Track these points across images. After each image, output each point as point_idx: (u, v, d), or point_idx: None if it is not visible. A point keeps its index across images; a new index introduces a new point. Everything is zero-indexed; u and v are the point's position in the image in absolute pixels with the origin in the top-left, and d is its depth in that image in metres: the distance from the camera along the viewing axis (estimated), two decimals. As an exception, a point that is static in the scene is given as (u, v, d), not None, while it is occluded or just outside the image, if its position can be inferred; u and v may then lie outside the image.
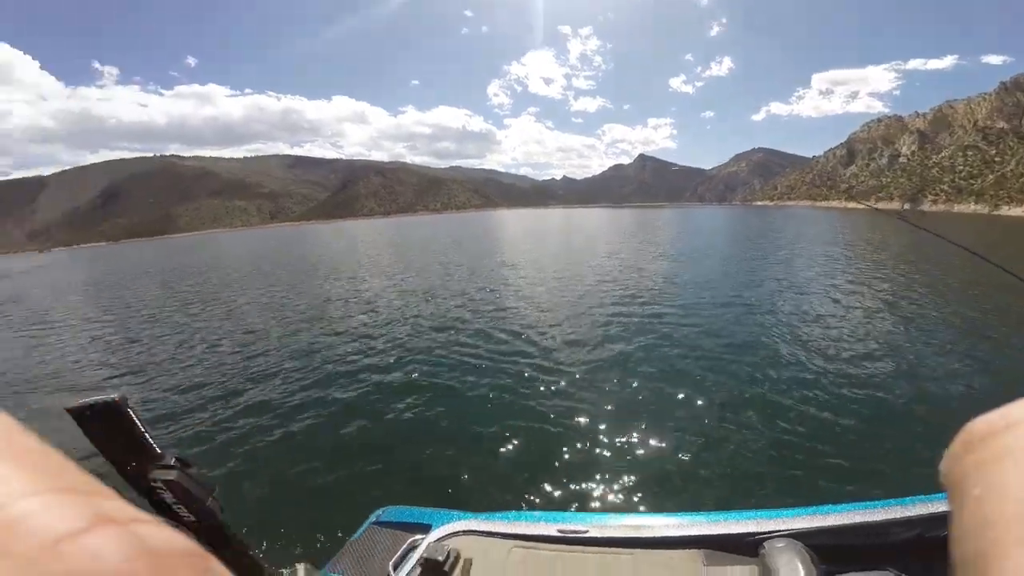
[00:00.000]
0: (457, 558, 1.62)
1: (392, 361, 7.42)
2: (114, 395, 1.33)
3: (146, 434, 1.37)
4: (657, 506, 3.54)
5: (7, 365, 9.76)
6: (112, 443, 1.34)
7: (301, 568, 1.90)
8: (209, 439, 5.11)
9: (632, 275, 14.85)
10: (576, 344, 7.56)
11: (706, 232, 37.93)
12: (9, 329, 14.44)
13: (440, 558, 1.56)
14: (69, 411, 1.33)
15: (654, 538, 1.58)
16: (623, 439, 4.42)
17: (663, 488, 3.69)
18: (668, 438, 4.38)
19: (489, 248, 29.20)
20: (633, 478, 3.82)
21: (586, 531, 1.66)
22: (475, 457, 4.33)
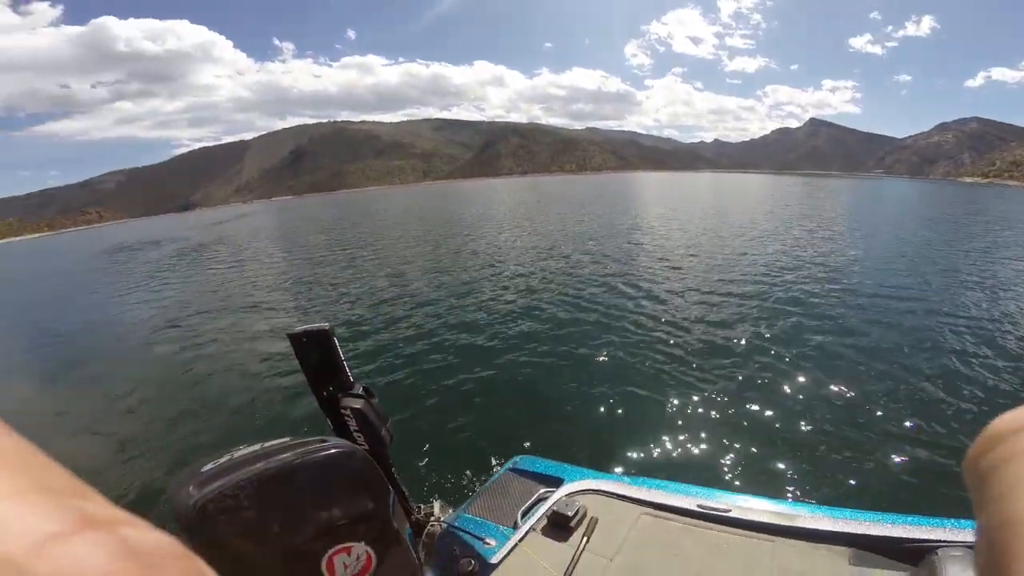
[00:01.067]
0: (584, 515, 1.64)
1: (537, 311, 7.85)
2: (325, 324, 1.62)
3: (344, 362, 1.66)
4: (800, 497, 3.30)
5: (227, 291, 12.51)
6: (316, 367, 1.65)
7: (437, 504, 2.14)
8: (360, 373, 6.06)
9: (805, 250, 12.98)
10: (720, 315, 7.09)
11: (896, 208, 31.56)
12: (223, 264, 18.41)
13: (568, 513, 1.60)
14: (289, 336, 1.66)
15: (798, 528, 1.46)
16: (769, 420, 4.14)
17: (807, 480, 3.41)
18: (818, 427, 3.99)
19: (624, 209, 28.06)
20: (777, 464, 3.58)
21: (728, 510, 1.58)
22: (609, 416, 4.39)
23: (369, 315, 8.84)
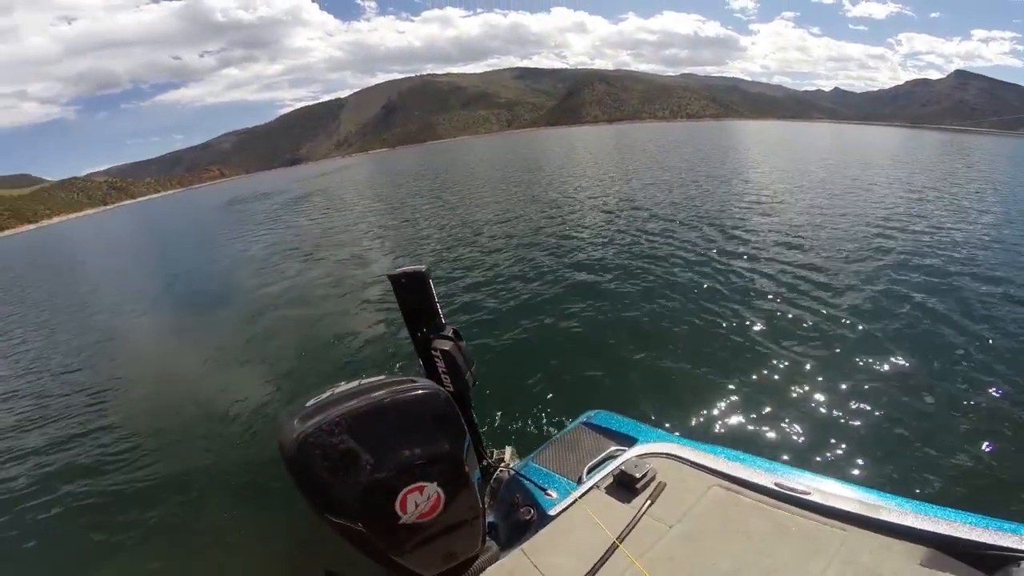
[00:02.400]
0: (652, 479, 1.57)
1: (621, 265, 7.62)
2: (422, 266, 1.65)
3: (438, 304, 1.69)
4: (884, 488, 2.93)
5: (329, 237, 13.56)
6: (412, 307, 1.70)
7: (508, 451, 2.15)
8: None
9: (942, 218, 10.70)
10: (818, 282, 6.38)
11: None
12: (325, 212, 19.88)
13: (636, 474, 1.53)
14: (389, 277, 1.70)
15: (875, 520, 1.32)
16: (862, 401, 3.71)
17: (895, 471, 3.06)
18: (915, 415, 3.53)
19: (721, 160, 25.60)
20: (863, 450, 3.22)
21: (807, 493, 1.44)
22: (690, 379, 4.19)
23: (453, 261, 9.13)
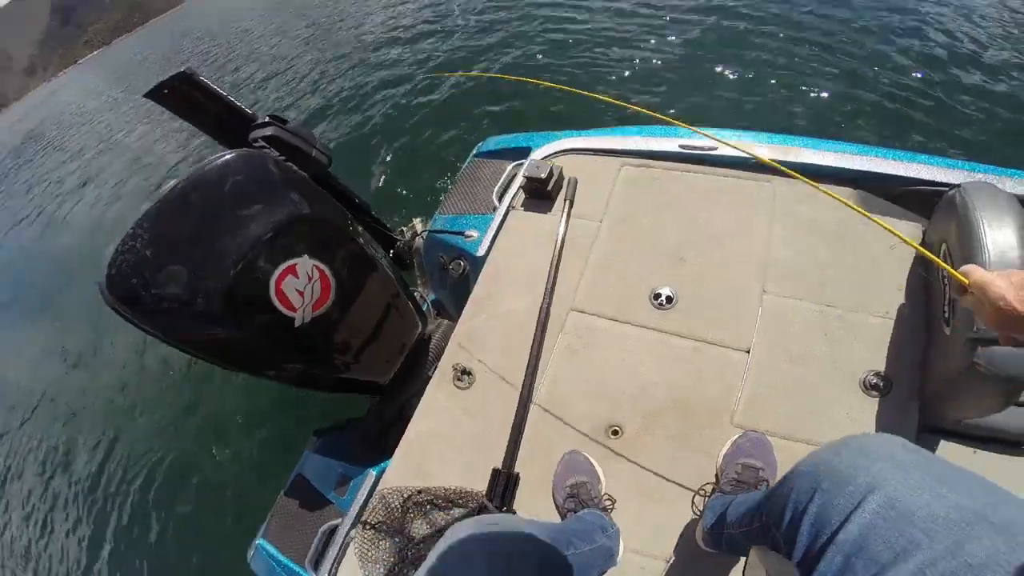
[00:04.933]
0: (560, 176, 1.50)
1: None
2: (181, 68, 1.23)
3: (230, 97, 1.32)
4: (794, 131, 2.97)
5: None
6: (202, 114, 1.32)
7: (417, 222, 1.99)
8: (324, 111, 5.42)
9: None
10: None
11: None
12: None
13: (542, 175, 1.44)
14: (148, 96, 1.28)
15: (796, 164, 1.27)
16: (755, 40, 3.52)
17: (804, 112, 2.97)
18: (813, 46, 3.37)
19: None
20: (767, 94, 3.09)
21: (714, 148, 1.39)
22: (575, 70, 3.87)
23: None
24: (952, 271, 0.50)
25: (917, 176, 1.18)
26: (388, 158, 4.09)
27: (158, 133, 9.21)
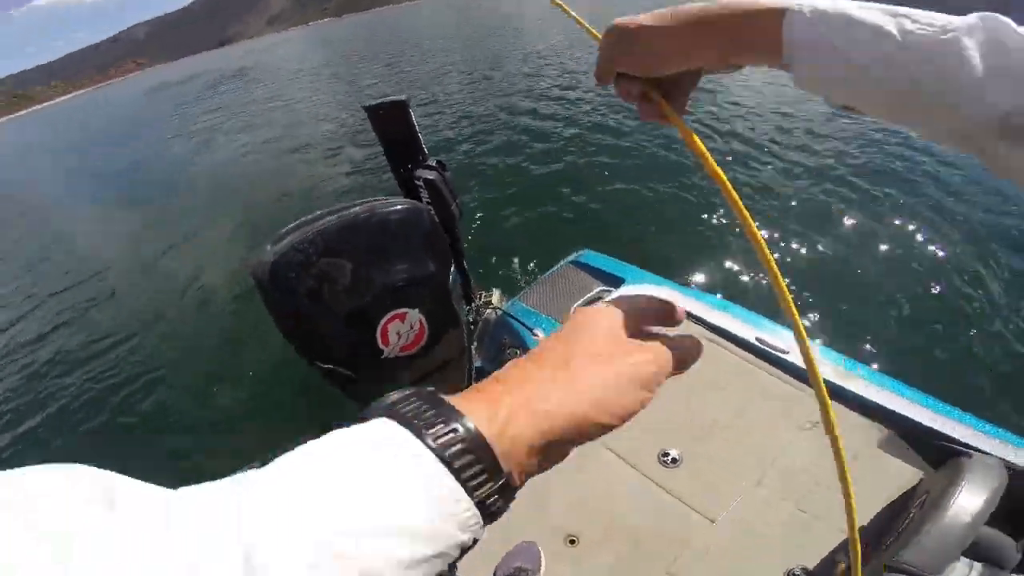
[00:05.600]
0: None
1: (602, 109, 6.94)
2: (402, 96, 1.44)
3: (419, 135, 1.51)
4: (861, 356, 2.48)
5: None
6: (392, 139, 1.52)
7: (496, 293, 2.11)
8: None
9: None
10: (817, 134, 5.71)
11: None
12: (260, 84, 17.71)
13: None
14: (366, 108, 1.49)
15: (840, 389, 1.35)
16: (857, 264, 3.30)
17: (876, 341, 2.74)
18: (910, 287, 3.09)
19: None
20: (845, 312, 2.93)
21: (786, 352, 1.45)
22: (683, 225, 3.89)
23: (430, 105, 8.34)
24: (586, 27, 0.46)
25: (943, 431, 1.23)
26: (511, 217, 4.32)
27: (328, 115, 10.14)
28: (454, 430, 0.25)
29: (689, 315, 1.64)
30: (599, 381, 0.30)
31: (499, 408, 0.27)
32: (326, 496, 0.22)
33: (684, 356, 0.34)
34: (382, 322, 1.07)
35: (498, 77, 10.25)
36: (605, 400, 0.29)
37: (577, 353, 0.31)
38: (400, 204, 1.07)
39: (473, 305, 1.93)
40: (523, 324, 1.69)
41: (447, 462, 0.24)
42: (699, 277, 3.38)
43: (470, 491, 0.24)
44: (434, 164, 1.50)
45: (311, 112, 11.01)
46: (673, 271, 3.34)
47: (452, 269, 1.19)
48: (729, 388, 1.46)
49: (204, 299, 4.49)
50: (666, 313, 0.36)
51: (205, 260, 5.10)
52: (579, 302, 1.73)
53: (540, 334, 1.64)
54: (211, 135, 11.76)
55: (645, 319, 0.35)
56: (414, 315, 1.11)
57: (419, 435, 0.24)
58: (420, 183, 1.48)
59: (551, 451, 0.28)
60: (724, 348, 1.55)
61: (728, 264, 3.42)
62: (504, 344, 1.70)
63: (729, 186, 0.34)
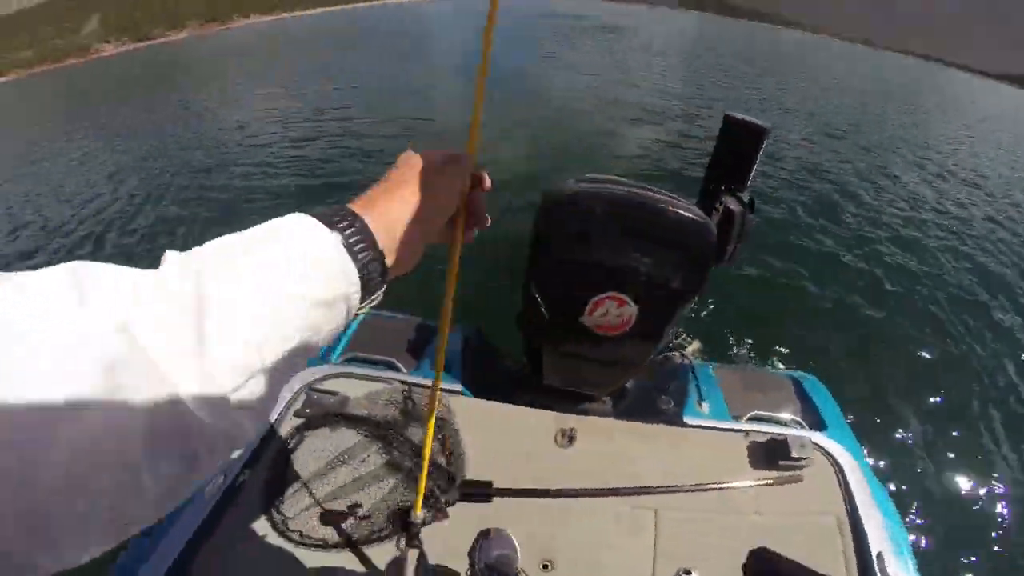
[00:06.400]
0: (797, 469, 1.27)
1: None
2: (767, 124, 1.37)
3: (755, 168, 1.43)
4: None
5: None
6: (725, 156, 1.46)
7: (696, 343, 1.96)
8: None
9: None
10: None
11: None
12: None
13: (792, 452, 1.23)
14: (727, 116, 1.45)
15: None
16: None
17: None
18: None
19: None
20: None
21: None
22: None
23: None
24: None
25: None
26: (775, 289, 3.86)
27: (672, 106, 9.96)
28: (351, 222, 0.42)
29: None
30: (422, 190, 0.49)
31: (371, 211, 0.45)
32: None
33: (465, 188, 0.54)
34: (604, 295, 1.12)
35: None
36: (427, 200, 0.48)
37: (408, 178, 0.49)
38: (698, 215, 1.08)
39: (672, 337, 1.86)
40: (697, 390, 1.55)
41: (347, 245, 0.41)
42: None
43: (355, 256, 0.41)
44: (746, 199, 1.41)
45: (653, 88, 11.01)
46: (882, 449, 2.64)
47: (695, 296, 1.17)
48: None
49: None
50: (468, 172, 0.54)
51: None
52: (765, 411, 1.50)
53: (704, 408, 1.50)
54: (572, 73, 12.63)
55: (447, 161, 0.52)
56: (631, 308, 1.13)
57: (327, 223, 0.41)
58: (718, 206, 1.42)
59: (406, 235, 0.46)
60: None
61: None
62: (667, 390, 1.58)
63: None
